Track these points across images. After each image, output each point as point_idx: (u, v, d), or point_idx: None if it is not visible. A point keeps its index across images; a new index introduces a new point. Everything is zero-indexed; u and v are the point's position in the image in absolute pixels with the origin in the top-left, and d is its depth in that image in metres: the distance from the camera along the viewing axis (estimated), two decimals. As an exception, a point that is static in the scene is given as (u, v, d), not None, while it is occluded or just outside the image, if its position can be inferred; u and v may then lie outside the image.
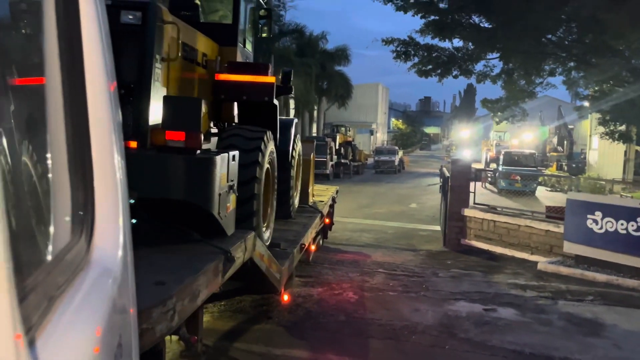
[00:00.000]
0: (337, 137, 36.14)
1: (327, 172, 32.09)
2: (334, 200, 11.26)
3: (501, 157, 28.62)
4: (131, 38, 4.02)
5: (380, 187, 29.18)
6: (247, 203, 4.88)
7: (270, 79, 5.96)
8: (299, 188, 8.26)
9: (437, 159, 48.27)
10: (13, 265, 0.70)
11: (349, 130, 42.79)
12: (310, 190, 8.98)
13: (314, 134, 42.60)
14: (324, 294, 7.62)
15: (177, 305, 2.84)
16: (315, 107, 44.78)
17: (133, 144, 3.91)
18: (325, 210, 9.66)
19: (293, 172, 7.41)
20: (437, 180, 27.65)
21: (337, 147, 34.89)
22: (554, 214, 11.62)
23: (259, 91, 5.86)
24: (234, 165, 4.45)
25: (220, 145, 5.15)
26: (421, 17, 19.83)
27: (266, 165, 5.43)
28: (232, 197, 4.42)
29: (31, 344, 0.75)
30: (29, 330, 0.75)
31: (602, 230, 9.25)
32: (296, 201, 7.99)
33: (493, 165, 32.07)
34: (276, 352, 5.55)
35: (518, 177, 24.06)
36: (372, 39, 20.67)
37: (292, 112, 43.94)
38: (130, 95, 4.00)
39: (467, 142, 53.88)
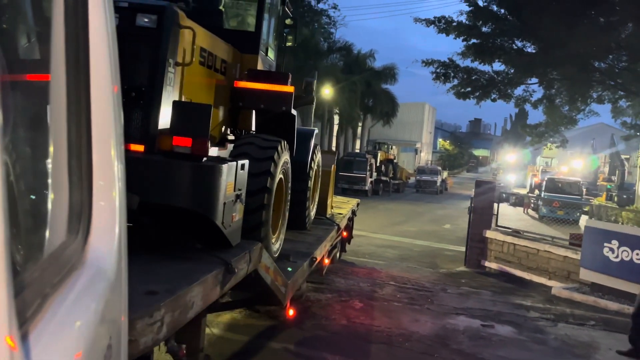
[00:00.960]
0: (379, 155, 36.33)
1: (366, 188, 32.38)
2: (354, 213, 11.35)
3: (544, 183, 28.18)
4: (146, 41, 3.99)
5: (417, 206, 29.20)
6: (255, 213, 4.76)
7: (289, 88, 5.84)
8: (316, 199, 8.20)
9: (483, 182, 47.59)
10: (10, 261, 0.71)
11: (391, 148, 42.94)
12: (329, 202, 9.01)
13: (357, 150, 43.04)
14: (331, 299, 8.08)
15: (166, 317, 2.71)
16: (360, 124, 45.25)
17: (140, 148, 3.88)
18: (343, 223, 9.58)
19: (310, 183, 7.34)
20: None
21: (377, 164, 35.12)
22: (575, 241, 11.62)
23: (277, 100, 5.80)
24: (243, 174, 4.35)
25: (233, 152, 5.05)
26: (463, 40, 20.09)
27: (279, 176, 5.31)
28: (239, 207, 4.30)
29: (23, 340, 0.76)
30: (22, 327, 0.76)
31: (618, 259, 9.28)
32: (312, 213, 7.86)
33: (537, 192, 31.52)
34: (275, 346, 6.07)
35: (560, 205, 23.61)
36: (423, 58, 20.91)
37: (335, 127, 44.07)
38: (141, 98, 3.95)
39: (513, 166, 52.86)
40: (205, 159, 3.81)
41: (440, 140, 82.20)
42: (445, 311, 8.20)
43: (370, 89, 39.92)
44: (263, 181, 4.83)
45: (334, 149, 41.30)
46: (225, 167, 3.83)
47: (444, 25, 19.96)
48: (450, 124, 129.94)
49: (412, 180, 45.18)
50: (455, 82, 20.38)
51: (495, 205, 12.34)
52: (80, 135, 1.10)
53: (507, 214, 21.59)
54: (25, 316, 0.79)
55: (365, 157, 33.39)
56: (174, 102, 3.99)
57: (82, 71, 1.12)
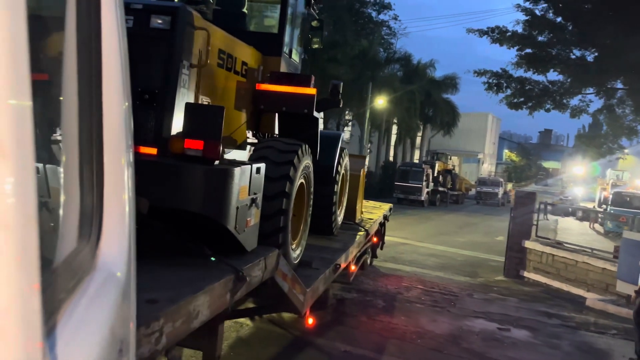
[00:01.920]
0: (436, 165, 36.07)
1: (422, 198, 32.21)
2: (386, 218, 11.35)
3: (610, 197, 26.93)
4: (160, 43, 3.92)
5: (473, 217, 28.78)
6: (273, 218, 4.63)
7: (310, 90, 5.73)
8: (344, 204, 8.07)
9: (550, 195, 46.11)
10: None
11: (450, 159, 42.43)
12: (358, 207, 8.90)
13: (416, 160, 42.89)
14: (356, 299, 8.54)
15: (166, 327, 2.60)
16: (419, 134, 45.01)
17: (153, 151, 3.81)
18: (373, 229, 9.46)
19: (337, 188, 7.20)
20: (541, 216, 26.62)
21: (434, 175, 34.91)
22: (616, 253, 11.41)
23: (298, 103, 5.70)
24: (258, 178, 4.23)
25: (252, 156, 4.97)
26: (517, 50, 19.95)
27: (299, 180, 5.20)
28: (255, 212, 4.18)
29: (48, 343, 0.77)
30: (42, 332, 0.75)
31: (654, 272, 9.13)
32: (339, 218, 7.70)
33: (605, 206, 30.09)
34: (295, 332, 6.61)
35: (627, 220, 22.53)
36: (492, 67, 20.83)
37: (393, 137, 43.54)
38: (155, 100, 3.88)
39: (581, 179, 50.39)
40: (217, 162, 3.69)
41: (506, 151, 79.69)
42: (465, 314, 8.38)
43: (430, 98, 39.81)
44: (282, 186, 4.72)
45: (391, 159, 41.46)
46: (237, 170, 3.71)
47: (498, 35, 19.91)
48: (520, 134, 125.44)
49: (473, 191, 44.35)
50: (509, 92, 20.21)
51: (535, 215, 12.28)
52: (91, 140, 1.10)
53: (571, 229, 21.05)
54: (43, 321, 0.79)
55: (421, 167, 33.29)
56: (187, 104, 3.88)
57: (93, 75, 1.12)
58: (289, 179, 4.82)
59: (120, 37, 1.25)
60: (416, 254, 14.40)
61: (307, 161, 5.38)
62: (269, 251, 4.23)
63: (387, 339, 6.94)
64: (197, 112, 3.91)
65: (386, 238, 16.20)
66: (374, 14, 37.79)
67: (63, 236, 1.02)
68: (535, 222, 12.28)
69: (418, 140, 46.30)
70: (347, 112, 35.15)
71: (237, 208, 3.78)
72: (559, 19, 19.29)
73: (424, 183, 32.38)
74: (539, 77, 19.34)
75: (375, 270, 10.82)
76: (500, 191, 40.53)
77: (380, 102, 30.76)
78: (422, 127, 43.89)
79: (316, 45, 7.27)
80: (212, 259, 3.71)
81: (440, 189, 35.91)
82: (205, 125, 3.72)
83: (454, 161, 45.78)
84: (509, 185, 46.61)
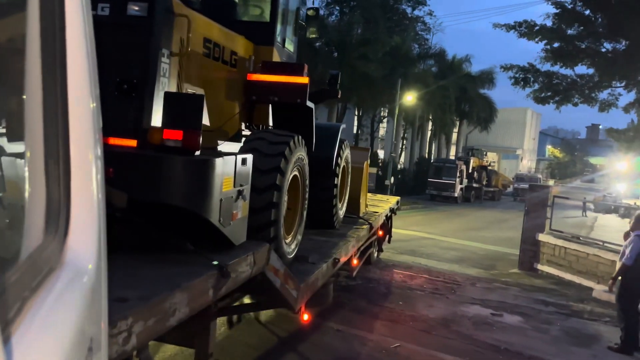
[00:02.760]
0: (471, 161, 35.73)
1: (455, 195, 31.98)
2: (392, 211, 11.25)
3: (651, 193, 26.14)
4: (137, 30, 3.77)
5: (506, 214, 28.39)
6: (263, 212, 4.51)
7: (303, 79, 5.54)
8: (345, 197, 7.97)
9: (595, 192, 44.88)
10: None
11: (485, 155, 41.85)
12: (361, 200, 8.73)
13: (452, 157, 42.58)
14: (360, 286, 8.92)
15: (135, 326, 2.48)
16: (455, 130, 44.65)
17: (133, 143, 3.67)
18: (378, 222, 9.28)
19: (337, 181, 7.09)
20: (579, 213, 26.06)
21: (469, 171, 34.56)
22: (628, 246, 11.42)
23: (290, 92, 5.52)
24: (245, 169, 4.07)
25: (243, 148, 4.78)
26: (545, 44, 19.77)
27: (293, 173, 5.08)
28: (242, 204, 4.03)
29: (5, 344, 0.76)
30: (3, 331, 0.75)
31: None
32: (341, 211, 7.55)
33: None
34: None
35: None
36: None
37: (428, 134, 42.98)
38: (134, 91, 3.73)
39: (626, 175, 48.46)
40: (197, 152, 3.53)
41: (549, 147, 77.54)
42: (462, 300, 8.62)
43: (465, 94, 39.49)
44: (272, 178, 4.60)
45: (426, 155, 41.28)
46: (219, 161, 3.56)
47: (525, 29, 19.78)
48: (567, 130, 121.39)
49: (511, 188, 43.59)
50: (536, 86, 20.06)
51: (549, 209, 12.39)
52: (57, 132, 1.07)
53: (609, 225, 20.68)
54: (5, 320, 0.78)
55: (455, 164, 33.00)
56: (166, 93, 3.72)
57: (58, 65, 1.08)
58: (280, 171, 4.71)
59: (86, 27, 1.19)
60: (436, 248, 14.56)
61: (300, 153, 5.24)
62: (258, 246, 4.12)
63: (381, 321, 7.30)
64: (176, 101, 3.72)
65: (409, 232, 16.60)
66: (408, 10, 37.78)
67: (28, 231, 1.00)
68: (548, 216, 12.30)
69: (454, 136, 45.91)
70: (381, 109, 35.36)
71: (221, 200, 3.66)
72: (587, 12, 19.00)
73: (457, 179, 32.17)
74: (567, 71, 19.12)
75: (385, 262, 11.12)
76: (539, 188, 39.53)
77: (410, 98, 30.69)
78: (458, 123, 43.52)
79: (313, 35, 7.17)
80: (216, 263, 3.47)
81: (475, 185, 35.53)
82: (185, 114, 3.56)
83: (490, 157, 45.04)
84: (551, 182, 45.49)
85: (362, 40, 31.44)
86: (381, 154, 38.11)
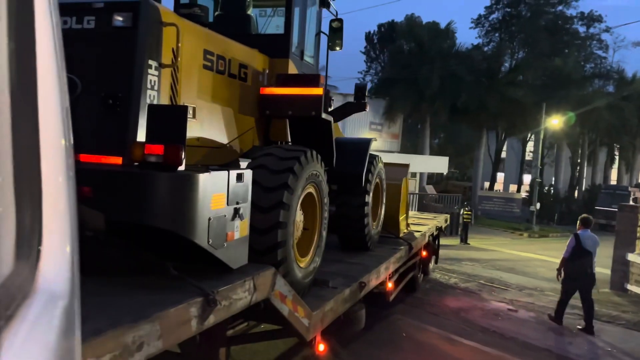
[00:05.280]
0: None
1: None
2: (440, 229, 10.64)
3: None
4: (121, 42, 3.61)
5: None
6: (269, 233, 4.20)
7: (317, 90, 5.27)
8: (380, 216, 7.63)
9: None
10: None
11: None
12: (400, 218, 8.31)
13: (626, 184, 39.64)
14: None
15: None
16: None
17: (118, 160, 3.48)
18: (421, 242, 8.87)
19: (368, 198, 6.73)
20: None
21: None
22: None
23: (305, 105, 5.26)
24: (242, 186, 3.76)
25: (250, 165, 4.42)
26: None
27: (306, 190, 4.79)
28: (240, 224, 3.73)
29: None
30: None
31: None
32: (374, 231, 7.24)
33: None
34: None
35: None
36: None
37: (599, 158, 40.76)
38: (118, 105, 3.55)
39: None
40: (181, 168, 3.26)
41: None
42: (492, 299, 9.38)
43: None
44: (278, 196, 4.28)
45: (600, 182, 39.06)
46: (202, 177, 3.25)
47: None
48: None
49: None
50: None
51: (639, 229, 11.84)
52: (26, 152, 1.04)
53: None
54: None
55: (627, 191, 30.56)
56: (149, 106, 3.50)
57: (28, 83, 1.05)
58: (288, 188, 4.37)
59: (56, 39, 1.16)
60: (542, 268, 14.46)
61: (314, 169, 4.88)
62: (261, 269, 3.77)
63: (398, 305, 8.00)
64: (159, 114, 3.45)
65: (535, 255, 17.44)
66: (582, 29, 36.98)
67: None
68: (639, 236, 11.80)
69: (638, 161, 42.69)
70: (530, 133, 34.72)
71: (210, 220, 3.35)
72: None
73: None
74: None
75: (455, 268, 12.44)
76: None
77: (555, 121, 29.54)
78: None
79: (337, 48, 6.77)
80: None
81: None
82: (167, 128, 3.30)
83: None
84: None
85: (514, 67, 31.75)
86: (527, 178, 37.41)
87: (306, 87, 5.33)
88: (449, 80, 30.48)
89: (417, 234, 8.77)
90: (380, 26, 40.60)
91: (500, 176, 45.75)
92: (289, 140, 5.81)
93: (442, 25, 35.28)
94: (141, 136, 3.56)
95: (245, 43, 5.29)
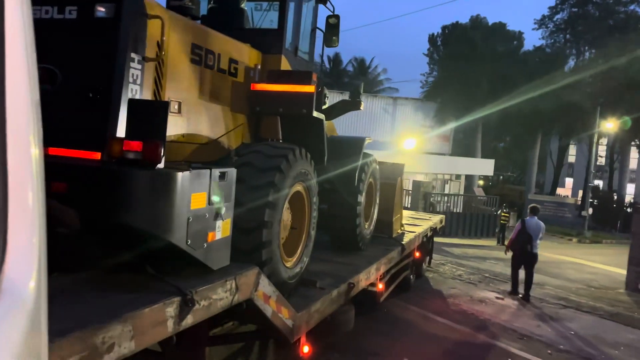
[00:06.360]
0: None
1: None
2: (435, 231, 10.54)
3: None
4: (105, 34, 3.51)
5: None
6: (253, 232, 4.13)
7: (308, 88, 5.18)
8: (373, 216, 7.55)
9: None
10: None
11: None
12: (394, 219, 8.18)
13: None
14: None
15: None
16: None
17: (96, 156, 3.39)
18: (415, 243, 8.78)
19: (361, 198, 6.66)
20: None
21: None
22: None
23: (296, 102, 5.18)
24: (225, 184, 3.67)
25: (237, 162, 4.42)
26: None
27: (294, 189, 4.72)
28: (221, 224, 3.65)
29: None
30: None
31: None
32: (367, 231, 7.20)
33: None
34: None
35: None
36: None
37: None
38: (99, 99, 3.47)
39: None
40: (161, 165, 3.14)
41: None
42: (487, 289, 10.44)
43: None
44: (264, 194, 4.21)
45: None
46: (180, 175, 3.14)
47: None
48: None
49: None
50: None
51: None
52: None
53: None
54: None
55: None
56: (129, 101, 3.40)
57: None
58: (274, 187, 4.29)
59: (26, 32, 1.14)
60: (573, 270, 15.09)
61: (303, 167, 4.80)
62: (243, 269, 3.69)
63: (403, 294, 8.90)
64: (139, 109, 3.31)
65: (572, 259, 17.71)
66: None
67: None
68: None
69: None
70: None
71: (189, 219, 3.25)
72: None
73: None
74: None
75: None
76: None
77: (609, 125, 28.90)
78: None
79: (333, 45, 6.67)
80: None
81: None
82: (147, 123, 3.19)
83: None
84: None
85: (579, 67, 31.02)
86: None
87: (298, 85, 5.22)
88: (501, 83, 30.05)
89: (410, 235, 8.67)
90: (444, 28, 39.97)
91: (569, 181, 44.77)
92: (280, 137, 5.76)
93: (509, 27, 34.86)
94: (122, 131, 3.44)
95: (237, 37, 5.17)
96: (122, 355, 2.57)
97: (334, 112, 6.71)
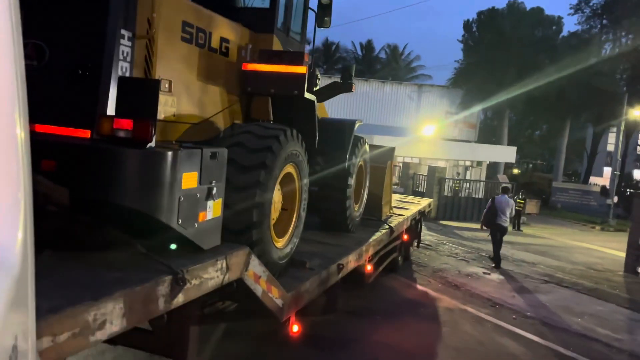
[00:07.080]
0: None
1: None
2: (423, 214, 10.62)
3: None
4: (93, 10, 3.48)
5: None
6: (244, 213, 4.13)
7: (300, 69, 5.12)
8: (363, 198, 7.62)
9: None
10: None
11: None
12: (383, 202, 8.28)
13: None
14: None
15: (38, 342, 2.13)
16: None
17: (86, 134, 3.34)
18: (403, 226, 8.83)
19: (351, 181, 6.72)
20: None
21: None
22: None
23: (287, 83, 5.14)
24: (216, 164, 3.65)
25: (228, 142, 4.37)
26: None
27: (285, 170, 4.74)
28: (213, 204, 3.63)
29: None
30: None
31: None
32: (356, 213, 7.24)
33: None
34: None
35: None
36: None
37: None
38: (89, 76, 3.41)
39: None
40: (151, 144, 3.12)
41: None
42: (478, 265, 11.07)
43: None
44: (255, 175, 4.21)
45: None
46: (171, 154, 3.12)
47: None
48: None
49: None
50: None
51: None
52: None
53: None
54: None
55: None
56: (119, 78, 3.38)
57: None
58: (265, 168, 4.28)
59: (12, 2, 1.14)
60: (579, 254, 15.31)
61: (294, 148, 4.80)
62: (234, 249, 3.71)
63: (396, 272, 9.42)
64: (130, 87, 3.30)
65: (587, 244, 17.93)
66: None
67: None
68: None
69: None
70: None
71: (180, 199, 3.23)
72: None
73: None
74: None
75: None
76: None
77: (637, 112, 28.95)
78: None
79: (326, 25, 6.57)
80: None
81: None
82: (138, 101, 3.19)
83: None
84: None
85: (615, 54, 30.70)
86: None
87: (290, 65, 5.15)
88: (532, 69, 29.65)
89: (399, 218, 8.74)
90: (479, 14, 38.89)
91: (608, 170, 44.62)
92: (271, 118, 5.71)
93: (547, 12, 34.21)
94: (112, 110, 3.40)
95: (229, 16, 5.08)
96: (113, 333, 2.57)
97: (325, 93, 6.69)
